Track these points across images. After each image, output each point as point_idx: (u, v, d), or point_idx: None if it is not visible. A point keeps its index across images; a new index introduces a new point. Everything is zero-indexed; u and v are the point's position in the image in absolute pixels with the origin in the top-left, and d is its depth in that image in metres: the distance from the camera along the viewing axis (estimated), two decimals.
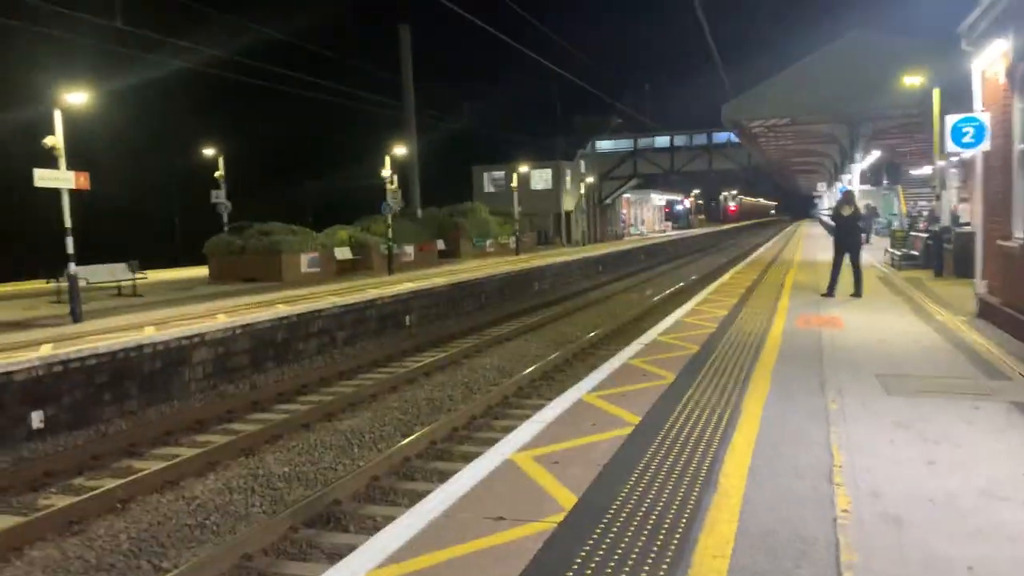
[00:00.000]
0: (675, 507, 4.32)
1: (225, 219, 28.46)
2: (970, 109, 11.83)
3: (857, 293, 14.32)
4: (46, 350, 11.01)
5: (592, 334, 17.30)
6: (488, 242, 39.26)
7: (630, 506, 4.35)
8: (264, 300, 17.96)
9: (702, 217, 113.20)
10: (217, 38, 29.62)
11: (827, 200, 61.97)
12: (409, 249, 31.29)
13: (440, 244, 35.07)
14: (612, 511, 4.28)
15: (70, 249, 14.92)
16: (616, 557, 3.76)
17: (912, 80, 18.68)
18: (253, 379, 14.09)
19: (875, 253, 25.43)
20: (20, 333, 13.33)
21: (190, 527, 7.33)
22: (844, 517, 4.12)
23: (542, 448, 5.48)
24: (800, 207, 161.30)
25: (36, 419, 10.47)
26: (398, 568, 3.74)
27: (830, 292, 14.54)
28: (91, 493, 8.12)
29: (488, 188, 52.05)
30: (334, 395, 12.54)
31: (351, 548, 4.39)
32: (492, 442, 9.39)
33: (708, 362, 8.54)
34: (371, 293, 19.06)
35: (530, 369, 13.42)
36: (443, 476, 8.43)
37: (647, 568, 3.64)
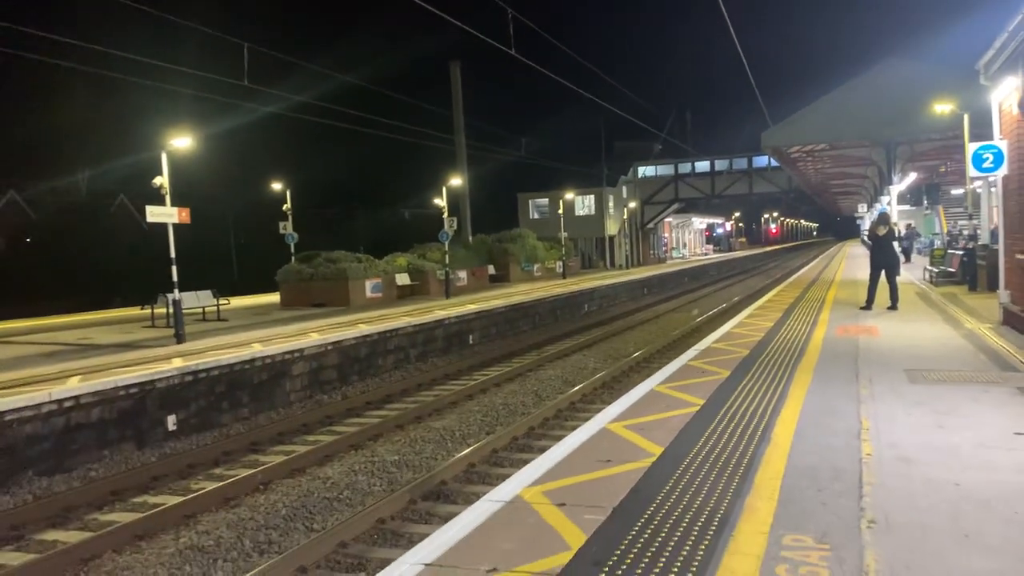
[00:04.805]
0: (739, 453, 5.72)
1: (292, 249, 30.35)
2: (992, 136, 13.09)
3: (893, 306, 15.48)
4: (178, 362, 12.72)
5: (644, 349, 18.65)
6: (536, 266, 40.84)
7: (703, 453, 5.76)
8: (344, 321, 19.65)
9: (743, 240, 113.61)
10: (288, 84, 31.92)
11: (868, 221, 62.46)
12: (462, 274, 32.95)
13: (491, 269, 36.72)
14: (689, 457, 5.70)
15: (175, 277, 16.74)
16: (699, 479, 5.18)
17: (943, 107, 19.80)
18: (343, 390, 15.71)
19: (915, 271, 26.39)
20: (134, 352, 15.06)
21: (329, 500, 8.87)
22: (867, 459, 5.47)
23: (630, 420, 6.93)
24: (843, 228, 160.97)
25: (171, 422, 12.17)
26: (543, 487, 5.19)
27: (868, 305, 15.74)
28: (234, 478, 9.69)
29: (533, 215, 53.82)
30: (417, 403, 14.05)
31: None
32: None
33: (757, 362, 9.89)
34: (438, 314, 20.65)
35: (592, 379, 14.81)
36: (525, 463, 9.85)
37: (723, 482, 5.06)
